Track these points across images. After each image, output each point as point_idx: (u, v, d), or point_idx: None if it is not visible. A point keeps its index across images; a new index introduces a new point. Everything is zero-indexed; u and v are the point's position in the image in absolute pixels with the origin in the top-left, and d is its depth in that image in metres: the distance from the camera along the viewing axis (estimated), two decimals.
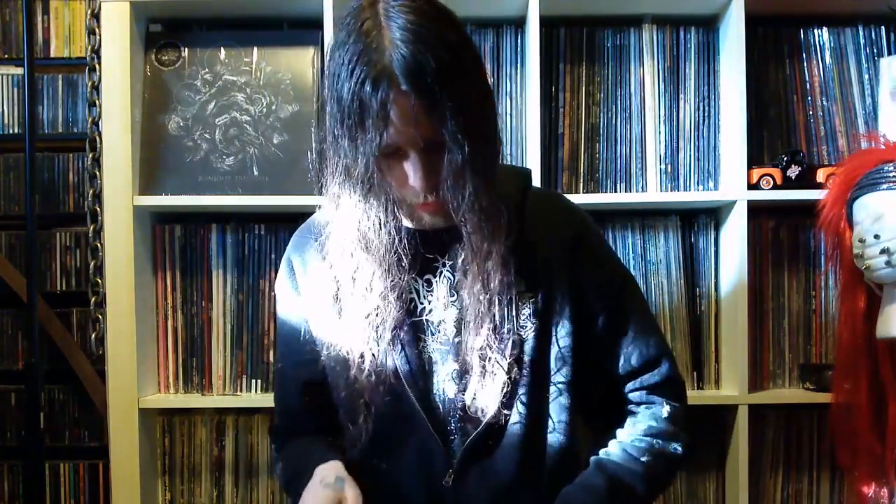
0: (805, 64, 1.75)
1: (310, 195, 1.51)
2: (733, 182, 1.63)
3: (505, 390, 1.01)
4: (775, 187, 1.62)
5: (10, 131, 1.93)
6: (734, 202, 1.62)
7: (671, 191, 1.71)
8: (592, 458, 1.06)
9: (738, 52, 1.62)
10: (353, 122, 0.89)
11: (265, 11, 1.71)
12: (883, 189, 1.26)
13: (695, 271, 1.72)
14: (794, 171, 1.63)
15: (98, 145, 1.67)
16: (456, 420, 1.04)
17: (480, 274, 0.97)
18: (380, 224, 0.96)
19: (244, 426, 1.74)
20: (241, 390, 1.73)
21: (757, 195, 1.61)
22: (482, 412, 1.02)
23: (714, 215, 1.73)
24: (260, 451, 1.74)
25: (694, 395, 1.68)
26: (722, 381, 1.70)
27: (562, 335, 1.04)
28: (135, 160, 1.65)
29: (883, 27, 1.73)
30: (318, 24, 1.66)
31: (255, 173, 1.68)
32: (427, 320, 1.04)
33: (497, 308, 0.99)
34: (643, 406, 1.08)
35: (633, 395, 1.09)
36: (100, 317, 1.71)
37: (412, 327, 1.04)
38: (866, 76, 1.72)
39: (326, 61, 0.94)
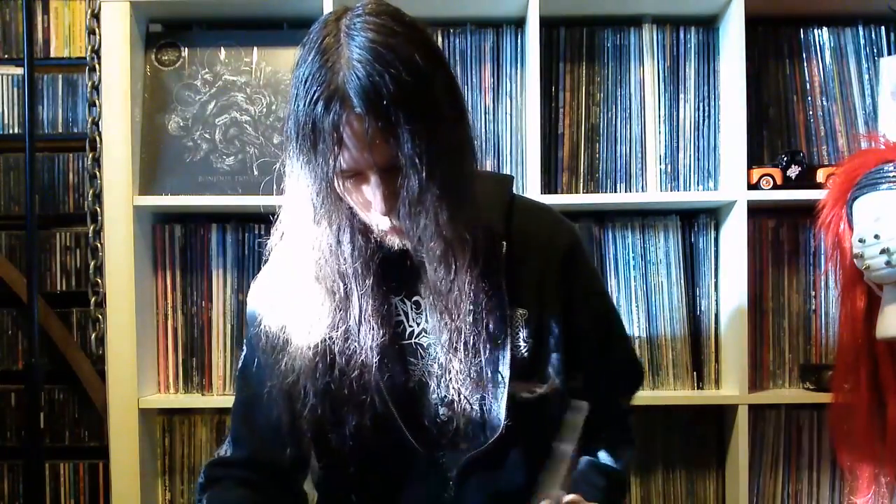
0: (805, 64, 1.75)
1: None
2: (733, 182, 1.63)
3: (500, 407, 0.98)
4: (775, 187, 1.62)
5: (10, 131, 1.92)
6: (734, 202, 1.62)
7: (671, 191, 1.71)
8: (585, 458, 1.08)
9: (738, 52, 1.62)
10: (307, 144, 0.85)
11: (265, 11, 1.71)
12: (883, 189, 1.26)
13: (695, 271, 1.72)
14: (794, 171, 1.63)
15: (98, 145, 1.67)
16: (449, 440, 0.99)
17: (439, 303, 0.93)
18: (330, 250, 0.92)
19: None
20: None
21: (757, 195, 1.61)
22: (477, 432, 0.99)
23: (714, 215, 1.73)
24: None
25: (694, 395, 1.69)
26: (722, 381, 1.70)
27: (555, 350, 1.03)
28: (135, 160, 1.65)
29: (883, 27, 1.73)
30: None
31: (255, 173, 1.68)
32: (416, 343, 1.01)
33: (475, 331, 0.95)
34: (616, 410, 1.15)
35: (611, 402, 1.14)
36: (100, 317, 1.71)
37: (400, 350, 1.00)
38: (866, 76, 1.72)
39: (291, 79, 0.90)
